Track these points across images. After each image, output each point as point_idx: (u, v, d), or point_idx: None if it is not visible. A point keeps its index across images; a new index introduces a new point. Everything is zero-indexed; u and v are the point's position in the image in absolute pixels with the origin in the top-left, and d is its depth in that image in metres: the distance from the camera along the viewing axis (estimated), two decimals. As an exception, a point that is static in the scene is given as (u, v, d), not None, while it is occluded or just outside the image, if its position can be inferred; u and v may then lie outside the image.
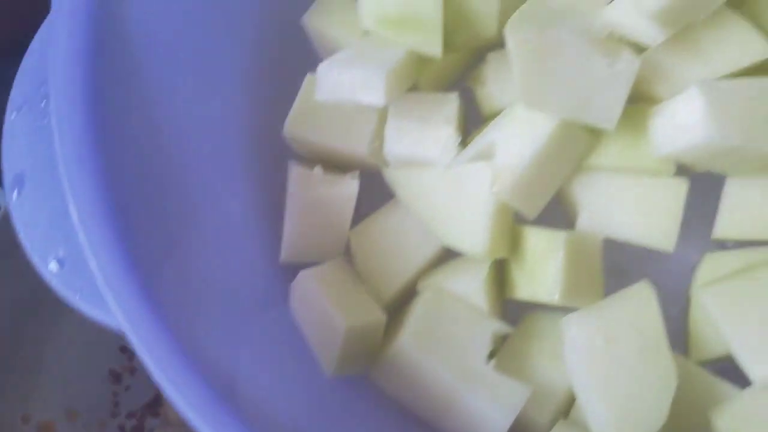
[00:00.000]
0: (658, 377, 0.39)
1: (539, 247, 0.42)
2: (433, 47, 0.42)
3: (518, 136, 0.41)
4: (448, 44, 0.46)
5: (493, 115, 0.45)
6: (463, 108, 0.46)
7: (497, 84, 0.45)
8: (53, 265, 0.37)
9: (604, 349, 0.40)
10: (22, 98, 0.40)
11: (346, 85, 0.42)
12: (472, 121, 0.47)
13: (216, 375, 0.34)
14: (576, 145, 0.42)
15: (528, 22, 0.39)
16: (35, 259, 0.37)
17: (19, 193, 0.38)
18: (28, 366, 0.63)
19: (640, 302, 0.41)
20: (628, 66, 0.39)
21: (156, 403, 0.67)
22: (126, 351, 0.67)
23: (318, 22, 0.48)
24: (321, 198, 0.46)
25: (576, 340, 0.40)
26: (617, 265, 0.46)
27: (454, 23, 0.44)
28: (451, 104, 0.44)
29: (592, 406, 0.39)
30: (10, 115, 0.40)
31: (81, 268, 0.36)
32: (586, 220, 0.44)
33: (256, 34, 0.47)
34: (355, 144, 0.45)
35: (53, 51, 0.38)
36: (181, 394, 0.32)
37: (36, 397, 0.63)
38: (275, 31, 0.48)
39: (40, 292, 0.61)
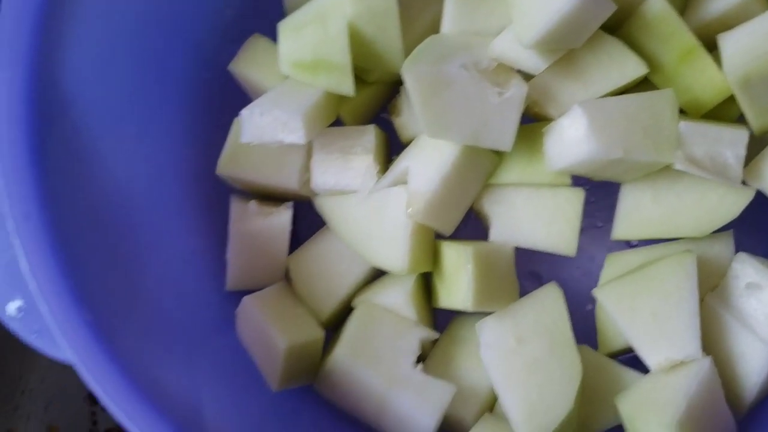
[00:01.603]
0: (564, 370, 0.43)
1: (452, 260, 0.46)
2: (346, 87, 0.46)
3: (427, 163, 0.46)
4: (363, 81, 0.50)
5: (411, 142, 0.50)
6: (383, 137, 0.51)
7: (411, 114, 0.50)
8: (12, 311, 0.41)
9: (516, 348, 0.44)
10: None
11: (268, 127, 0.46)
12: (395, 148, 0.52)
13: (171, 403, 0.38)
14: (481, 165, 0.47)
15: (423, 59, 0.43)
16: (-6, 307, 0.41)
17: (-25, 248, 0.42)
18: (12, 385, 0.66)
19: (548, 303, 0.45)
20: (516, 93, 0.44)
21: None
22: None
23: (243, 69, 0.52)
24: (259, 229, 0.50)
25: (490, 341, 0.44)
26: (534, 271, 0.51)
27: (365, 62, 0.48)
28: (368, 135, 0.49)
29: (507, 399, 0.43)
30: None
31: (38, 312, 0.40)
32: (497, 232, 0.48)
33: (190, 83, 0.52)
34: (286, 178, 0.49)
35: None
36: (132, 423, 0.36)
37: (20, 414, 0.66)
38: (209, 78, 0.53)
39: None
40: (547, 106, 0.46)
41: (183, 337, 0.46)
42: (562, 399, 0.42)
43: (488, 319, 0.45)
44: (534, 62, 0.43)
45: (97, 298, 0.40)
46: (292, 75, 0.48)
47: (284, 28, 0.48)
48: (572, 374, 0.43)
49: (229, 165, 0.50)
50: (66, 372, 0.68)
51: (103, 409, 0.69)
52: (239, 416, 0.44)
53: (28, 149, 0.41)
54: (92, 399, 0.70)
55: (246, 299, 0.47)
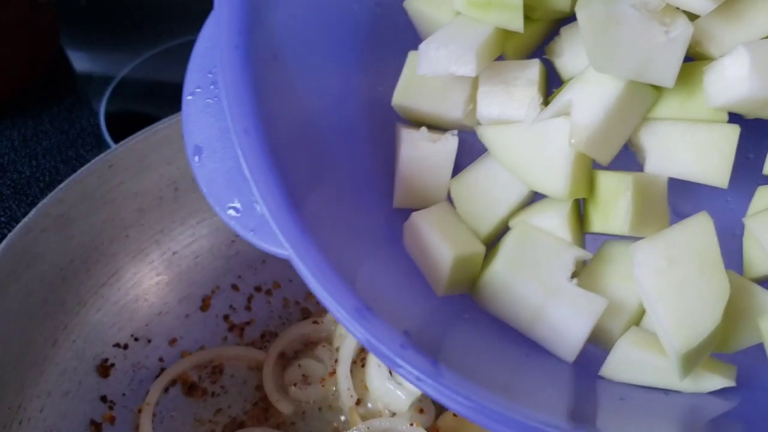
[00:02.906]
0: (713, 289, 0.47)
1: (611, 187, 0.50)
2: (516, 24, 0.51)
3: (591, 96, 0.50)
4: (528, 18, 0.54)
5: (571, 80, 0.54)
6: (545, 72, 0.55)
7: (571, 54, 0.54)
8: (231, 212, 0.48)
9: (667, 269, 0.48)
10: (195, 84, 0.51)
11: (442, 60, 0.51)
12: (552, 86, 0.56)
13: (359, 287, 0.44)
14: (641, 100, 0.50)
15: (595, -1, 0.47)
16: (217, 208, 0.48)
17: (199, 159, 0.49)
18: (10, 415, 0.64)
19: (699, 229, 0.49)
20: (682, 32, 0.47)
21: (135, 450, 0.69)
22: (106, 401, 0.70)
23: (417, 5, 0.57)
24: (426, 153, 0.55)
25: (643, 262, 0.48)
26: (683, 200, 0.55)
27: (532, 0, 0.52)
28: (533, 68, 0.53)
29: (657, 315, 0.47)
30: (186, 98, 0.51)
31: (252, 213, 0.47)
32: (652, 163, 0.52)
33: (368, 20, 0.57)
34: (452, 109, 0.54)
35: (218, 46, 0.48)
36: (336, 302, 0.43)
37: (19, 446, 0.62)
38: (384, 15, 0.58)
39: (21, 344, 0.66)
40: (708, 46, 0.49)
41: (359, 242, 0.52)
42: (710, 313, 0.46)
43: (641, 242, 0.49)
44: (702, 4, 0.46)
45: (302, 198, 0.46)
46: (464, 12, 0.53)
47: (459, -33, 0.53)
48: (720, 292, 0.47)
49: (403, 96, 0.55)
50: (67, 400, 0.67)
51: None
52: (413, 311, 0.51)
53: (244, 75, 0.47)
54: (95, 427, 0.69)
55: (414, 215, 0.53)
